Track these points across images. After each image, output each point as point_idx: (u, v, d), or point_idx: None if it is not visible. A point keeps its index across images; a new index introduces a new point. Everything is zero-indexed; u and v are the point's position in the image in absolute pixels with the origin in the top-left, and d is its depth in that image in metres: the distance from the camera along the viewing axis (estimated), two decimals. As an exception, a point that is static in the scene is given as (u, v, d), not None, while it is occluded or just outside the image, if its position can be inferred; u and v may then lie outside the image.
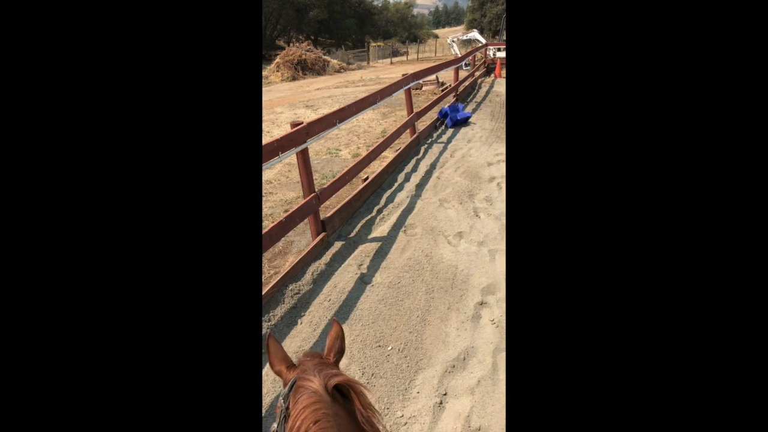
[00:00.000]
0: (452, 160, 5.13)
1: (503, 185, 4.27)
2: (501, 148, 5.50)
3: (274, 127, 7.46)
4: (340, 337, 0.93)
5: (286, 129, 2.86)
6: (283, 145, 2.64)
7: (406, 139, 5.56)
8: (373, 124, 7.27)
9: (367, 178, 4.18)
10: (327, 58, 20.43)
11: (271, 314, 2.50)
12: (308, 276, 2.88)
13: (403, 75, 5.35)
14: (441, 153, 5.47)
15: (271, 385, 2.01)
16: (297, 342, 2.30)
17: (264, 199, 4.25)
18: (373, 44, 31.60)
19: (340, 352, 0.91)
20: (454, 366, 2.08)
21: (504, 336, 2.23)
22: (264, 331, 2.37)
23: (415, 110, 5.68)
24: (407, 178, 4.64)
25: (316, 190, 3.15)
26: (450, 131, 6.52)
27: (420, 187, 4.37)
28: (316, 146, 5.98)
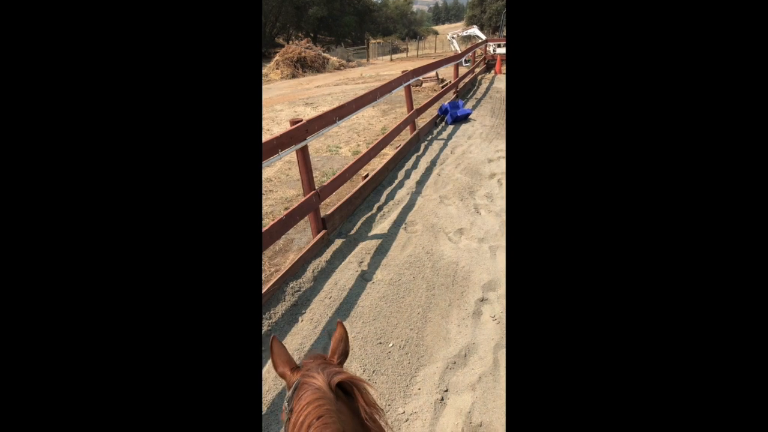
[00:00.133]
0: (452, 157, 5.12)
1: (503, 182, 4.26)
2: (501, 145, 5.49)
3: (273, 124, 7.45)
4: (345, 339, 0.92)
5: (286, 126, 2.86)
6: (282, 142, 2.63)
7: (406, 136, 5.55)
8: (373, 122, 7.26)
9: (367, 175, 4.18)
10: (326, 55, 20.37)
11: (272, 312, 2.51)
12: (309, 273, 2.88)
13: (402, 72, 5.34)
14: (441, 150, 5.46)
15: (272, 382, 2.02)
16: (298, 339, 2.31)
17: (264, 197, 4.26)
18: (372, 41, 31.51)
19: (344, 354, 0.90)
20: (455, 362, 2.09)
21: (505, 332, 2.23)
22: (264, 329, 2.38)
23: (415, 107, 5.67)
24: (407, 175, 4.63)
25: (317, 187, 3.15)
26: (450, 128, 6.50)
27: (420, 184, 4.36)
28: (316, 144, 5.97)
